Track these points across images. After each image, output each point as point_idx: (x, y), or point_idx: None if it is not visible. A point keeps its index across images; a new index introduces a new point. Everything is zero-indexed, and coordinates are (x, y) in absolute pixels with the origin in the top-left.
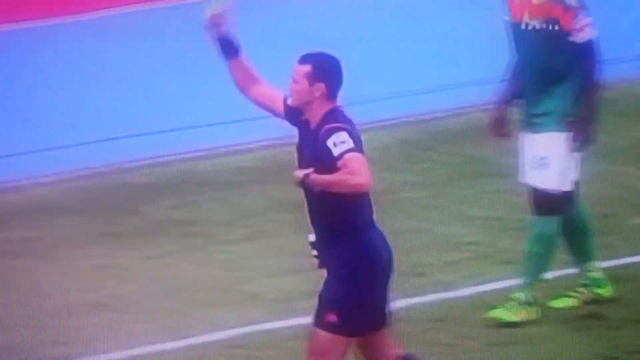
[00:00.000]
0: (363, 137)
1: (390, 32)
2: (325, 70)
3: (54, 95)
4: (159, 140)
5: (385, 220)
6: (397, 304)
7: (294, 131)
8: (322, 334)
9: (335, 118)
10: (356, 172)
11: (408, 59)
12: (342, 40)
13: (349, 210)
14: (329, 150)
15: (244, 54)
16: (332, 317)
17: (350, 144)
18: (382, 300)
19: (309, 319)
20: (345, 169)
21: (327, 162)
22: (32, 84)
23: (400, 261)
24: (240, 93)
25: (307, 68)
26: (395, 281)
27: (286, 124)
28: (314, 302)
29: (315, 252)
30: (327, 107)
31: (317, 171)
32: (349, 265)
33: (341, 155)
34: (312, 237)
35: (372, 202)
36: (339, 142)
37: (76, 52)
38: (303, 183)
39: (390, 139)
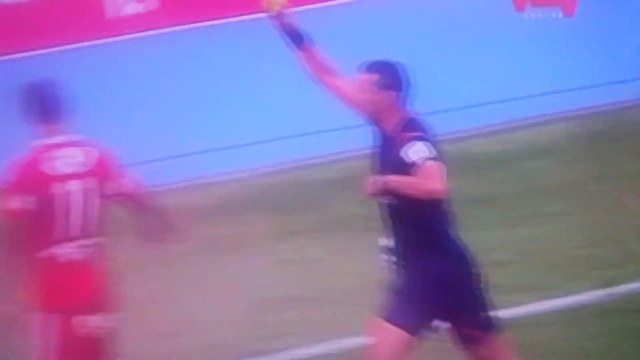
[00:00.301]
0: (553, 128)
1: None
2: (393, 78)
3: (242, 94)
4: (339, 137)
5: (572, 213)
6: (596, 294)
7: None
8: (484, 349)
9: (413, 127)
10: (432, 177)
11: (595, 50)
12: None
13: (430, 220)
14: (406, 160)
15: (315, 45)
16: (476, 333)
17: (428, 152)
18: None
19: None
20: (422, 174)
21: (404, 171)
22: (222, 84)
23: (592, 254)
24: (315, 83)
25: (374, 77)
26: (591, 273)
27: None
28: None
29: (390, 258)
30: (401, 114)
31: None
32: (452, 277)
33: (419, 162)
34: (386, 242)
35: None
36: (417, 152)
37: (261, 51)
38: (383, 188)
39: (577, 130)
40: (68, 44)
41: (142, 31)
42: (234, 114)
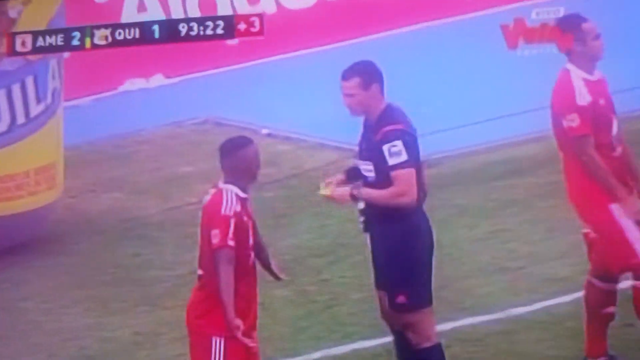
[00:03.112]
0: None
1: None
2: (372, 72)
3: None
4: None
5: None
6: None
7: None
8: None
9: (393, 117)
10: (403, 193)
11: None
12: None
13: None
14: (383, 156)
15: None
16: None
17: (404, 155)
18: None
19: None
20: (393, 188)
21: (379, 165)
22: None
23: None
24: None
25: (356, 79)
26: None
27: None
28: None
29: None
30: (382, 104)
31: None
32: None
33: (393, 167)
34: None
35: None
36: (394, 152)
37: None
38: (354, 198)
39: None
40: None
41: None
42: None
